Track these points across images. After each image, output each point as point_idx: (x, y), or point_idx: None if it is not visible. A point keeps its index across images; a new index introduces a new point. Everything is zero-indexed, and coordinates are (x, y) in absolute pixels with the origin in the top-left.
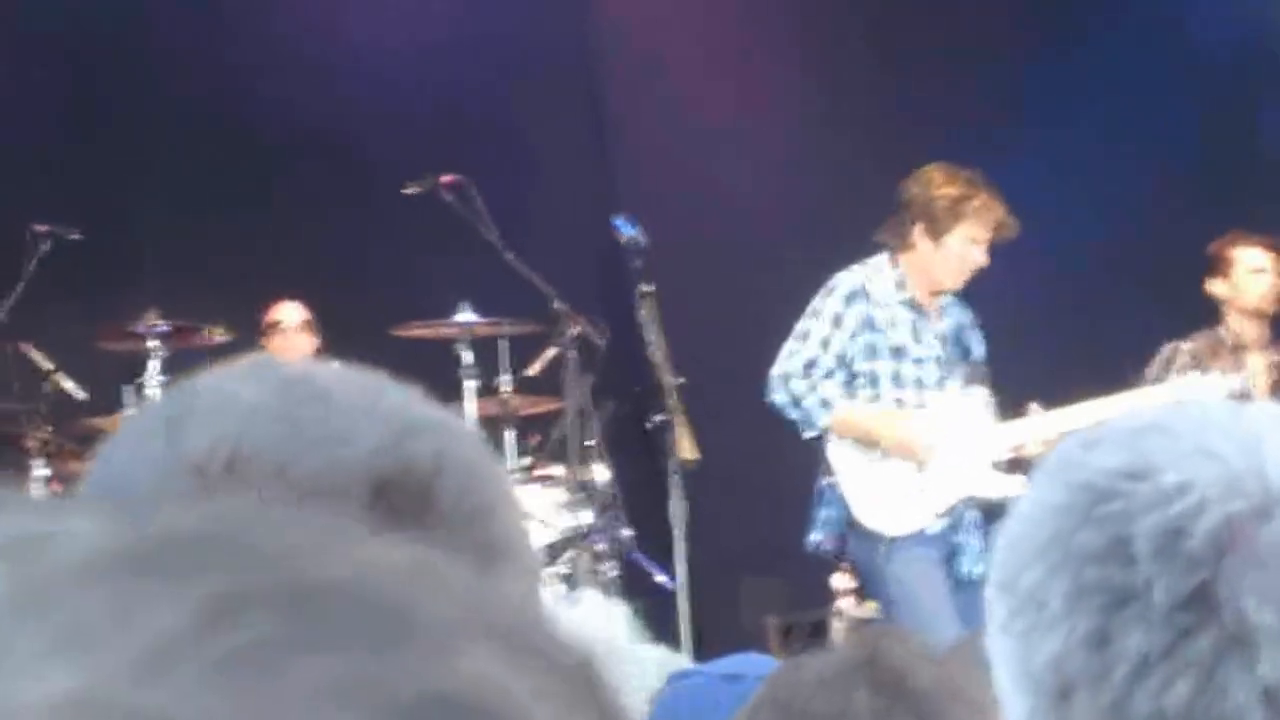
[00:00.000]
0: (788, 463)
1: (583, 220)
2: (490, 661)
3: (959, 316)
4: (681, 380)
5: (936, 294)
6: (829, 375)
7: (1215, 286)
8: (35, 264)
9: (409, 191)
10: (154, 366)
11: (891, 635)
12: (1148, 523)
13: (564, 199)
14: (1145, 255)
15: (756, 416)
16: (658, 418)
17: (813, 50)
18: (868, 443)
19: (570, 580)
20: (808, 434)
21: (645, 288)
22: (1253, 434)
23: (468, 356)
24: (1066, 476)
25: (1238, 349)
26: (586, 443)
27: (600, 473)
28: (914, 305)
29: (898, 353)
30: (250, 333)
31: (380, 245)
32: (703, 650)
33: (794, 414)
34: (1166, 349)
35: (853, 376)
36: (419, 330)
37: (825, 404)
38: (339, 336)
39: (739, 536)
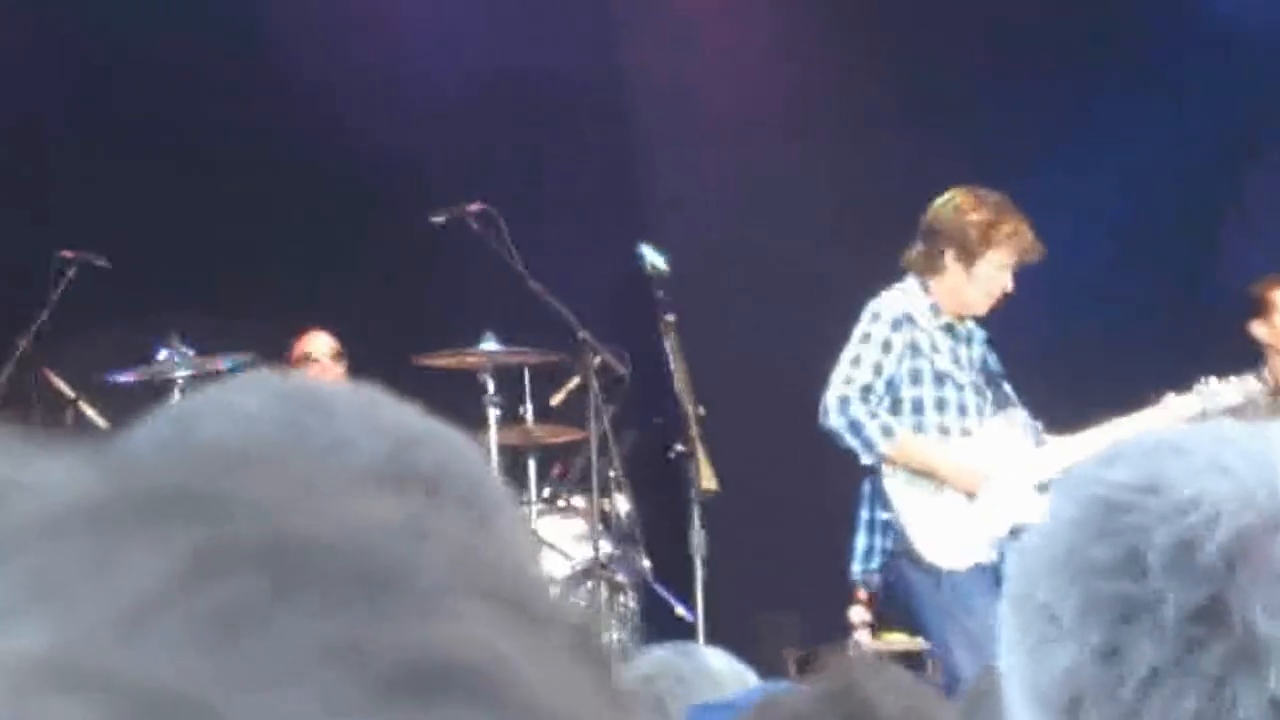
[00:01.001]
0: (808, 494)
1: (606, 251)
2: (481, 622)
3: (982, 340)
4: (703, 411)
5: (964, 319)
6: (881, 401)
7: (1258, 329)
8: (61, 291)
9: (436, 221)
10: (177, 394)
11: (866, 668)
12: (1160, 536)
13: (588, 229)
14: (1173, 289)
15: (777, 448)
16: (679, 448)
17: (838, 82)
18: (925, 472)
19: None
20: (867, 459)
21: (668, 318)
22: (1264, 451)
23: (491, 386)
24: (1081, 491)
25: (1277, 392)
26: (608, 473)
27: (621, 503)
28: (951, 330)
29: (941, 379)
30: (274, 361)
31: (405, 274)
32: None
33: (852, 440)
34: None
35: (898, 402)
36: (443, 359)
37: (887, 431)
38: (364, 365)
39: (758, 568)
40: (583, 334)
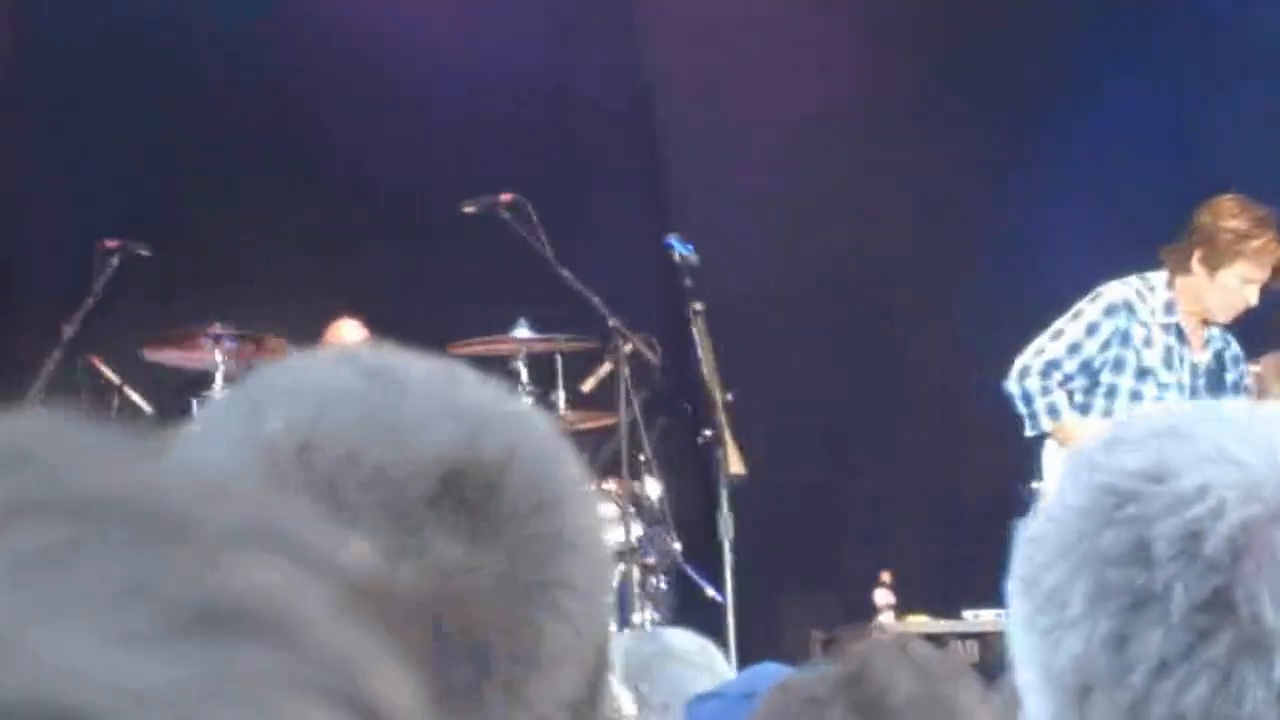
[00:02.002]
0: (834, 479)
1: (636, 239)
2: (269, 571)
3: (1221, 349)
4: (730, 397)
5: (1206, 323)
6: (1067, 380)
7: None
8: (105, 279)
9: (468, 210)
10: (219, 380)
11: (882, 648)
12: (1167, 526)
13: (618, 219)
14: None
15: (804, 433)
16: (707, 433)
17: (865, 72)
18: None
19: (621, 593)
20: (1029, 432)
21: (696, 306)
22: (1269, 438)
23: (524, 372)
24: (1088, 478)
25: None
26: (638, 457)
27: (651, 487)
28: (1177, 331)
29: (1143, 374)
30: (312, 346)
31: (439, 262)
32: (748, 662)
33: (1022, 409)
34: None
35: (1094, 386)
36: (476, 346)
37: (1053, 410)
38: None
39: (786, 551)
40: (613, 321)
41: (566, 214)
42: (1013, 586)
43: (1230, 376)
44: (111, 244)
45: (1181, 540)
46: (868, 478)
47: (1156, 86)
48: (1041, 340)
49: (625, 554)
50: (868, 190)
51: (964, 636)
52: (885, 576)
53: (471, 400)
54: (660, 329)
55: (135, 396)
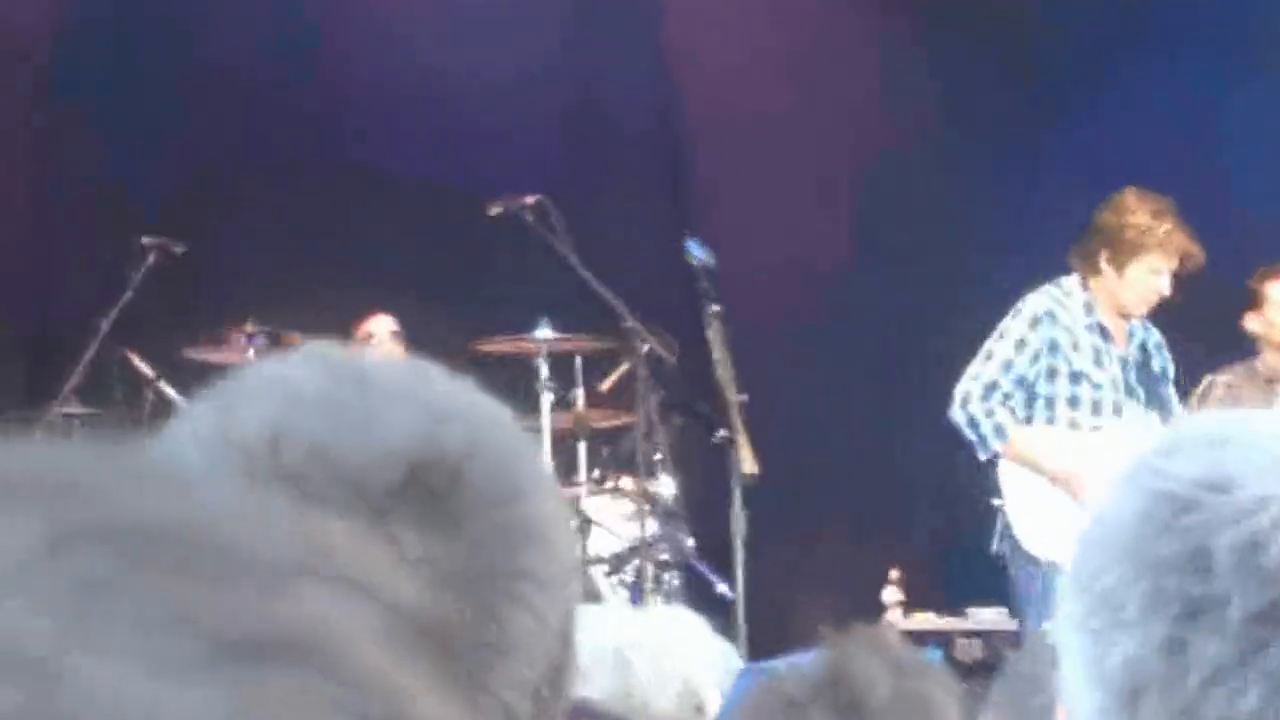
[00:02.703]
0: (845, 479)
1: (656, 242)
2: (320, 601)
3: (1144, 338)
4: (745, 397)
5: (1124, 318)
6: (1008, 398)
7: (1251, 322)
8: (141, 275)
9: (493, 212)
10: None
11: (859, 647)
12: (1227, 536)
13: (638, 221)
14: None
15: (816, 434)
16: (722, 433)
17: (882, 79)
18: (1035, 470)
19: (635, 587)
20: (981, 456)
21: (713, 308)
22: None
23: (545, 371)
24: (1147, 483)
25: (1271, 381)
26: (654, 456)
27: (666, 485)
28: (1101, 329)
29: (1076, 377)
30: (340, 340)
31: (464, 263)
32: (757, 658)
33: (970, 435)
34: (1204, 382)
35: (1032, 398)
36: (500, 345)
37: (999, 430)
38: (423, 349)
39: (797, 548)
40: (632, 322)
41: (588, 217)
42: (1065, 585)
43: (1156, 363)
44: (148, 241)
45: (1241, 551)
46: (878, 478)
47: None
48: (975, 365)
49: (639, 549)
50: (885, 197)
51: (969, 634)
52: (894, 574)
53: (436, 395)
54: (678, 330)
55: (170, 391)
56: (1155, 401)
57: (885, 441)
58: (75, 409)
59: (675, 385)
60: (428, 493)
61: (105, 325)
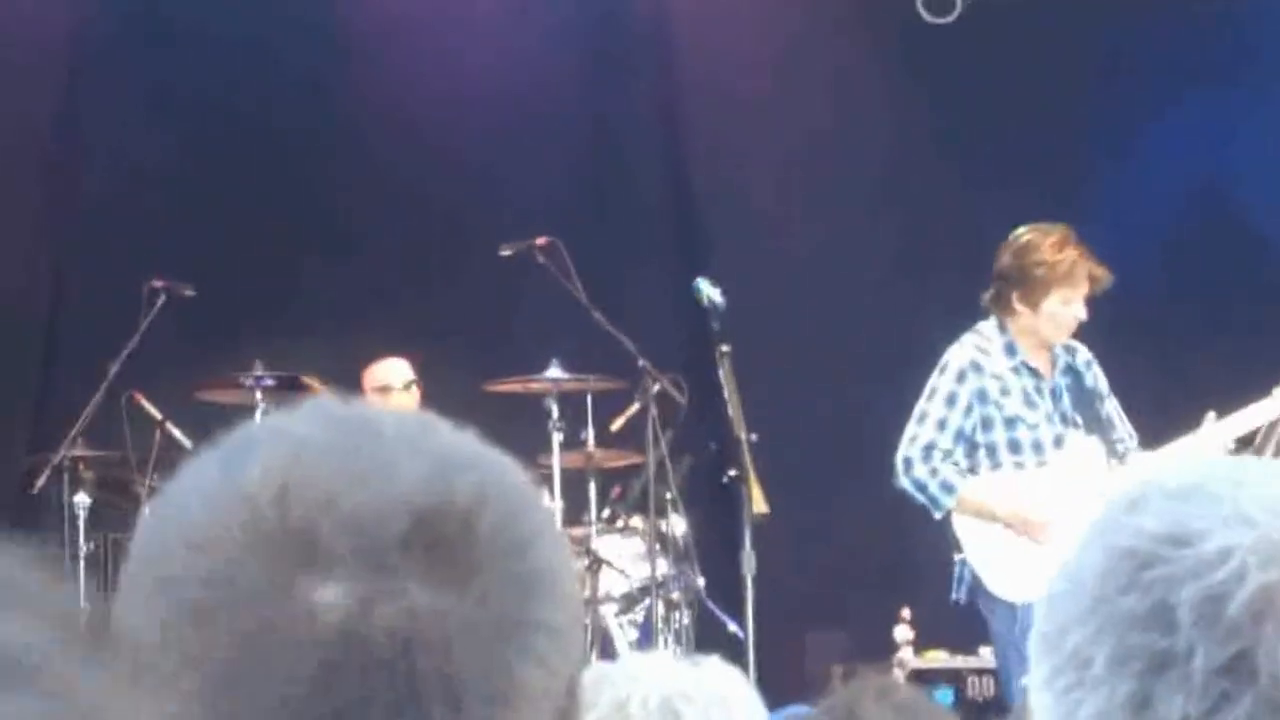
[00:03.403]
0: (854, 519)
1: (666, 283)
2: (27, 629)
3: (1070, 361)
4: (755, 437)
5: (1048, 350)
6: (948, 456)
7: None
8: (150, 318)
9: (505, 253)
10: (258, 417)
11: (868, 691)
12: (1189, 591)
13: (648, 263)
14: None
15: (826, 474)
16: (732, 473)
17: (896, 122)
18: (989, 519)
19: (645, 627)
20: (936, 514)
21: (723, 348)
22: None
23: (555, 411)
24: (1110, 539)
25: None
26: (665, 495)
27: (677, 524)
28: (1027, 368)
29: (1011, 422)
30: (351, 384)
31: (475, 304)
32: (767, 697)
33: (920, 498)
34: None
35: (973, 449)
36: (511, 385)
37: (947, 488)
38: (435, 390)
39: (807, 588)
40: (642, 363)
41: (599, 258)
42: (1034, 644)
43: (1088, 380)
44: (157, 284)
45: (1204, 605)
46: (888, 517)
47: (1186, 141)
48: (910, 428)
49: (650, 589)
50: (894, 237)
51: (980, 672)
52: (905, 613)
53: (444, 446)
54: (688, 370)
55: (177, 433)
56: (1095, 423)
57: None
58: (83, 451)
59: (686, 425)
60: (437, 543)
61: (114, 367)
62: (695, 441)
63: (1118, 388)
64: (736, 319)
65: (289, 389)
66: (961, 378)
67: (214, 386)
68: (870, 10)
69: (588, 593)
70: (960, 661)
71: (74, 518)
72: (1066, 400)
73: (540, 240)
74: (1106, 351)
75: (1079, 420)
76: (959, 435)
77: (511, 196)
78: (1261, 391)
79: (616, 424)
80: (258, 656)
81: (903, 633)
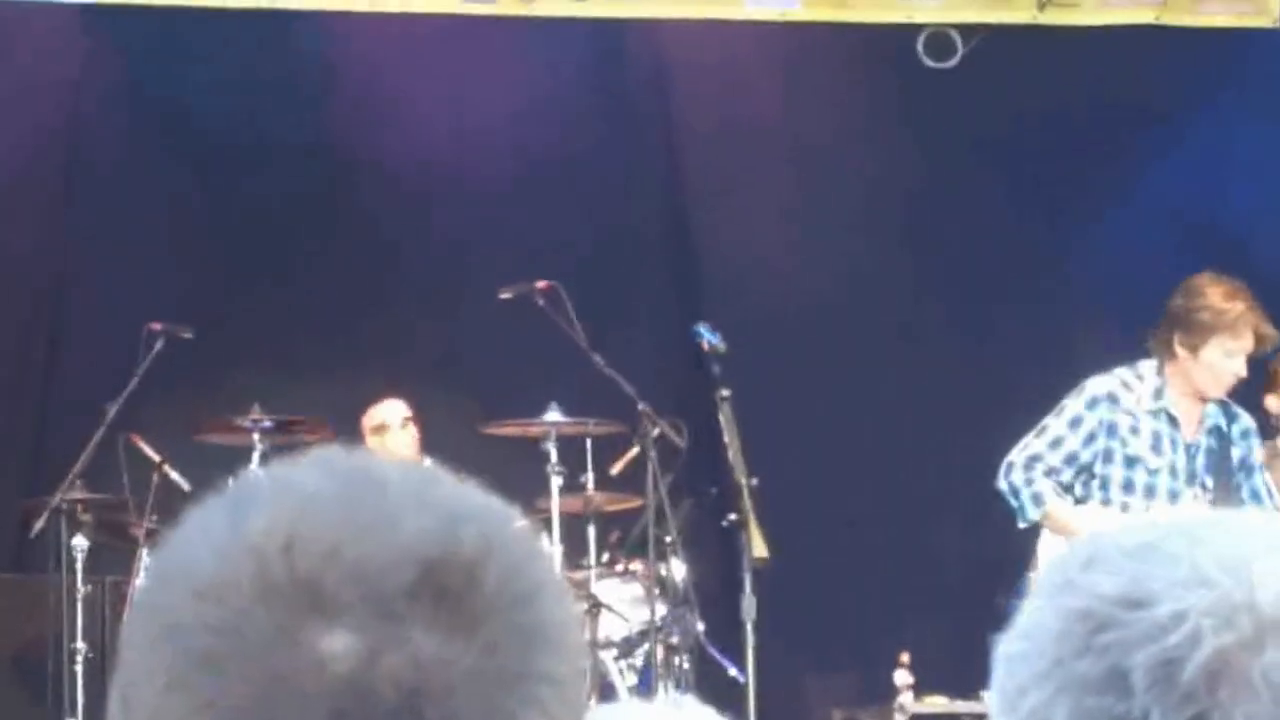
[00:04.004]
0: (855, 563)
1: (666, 327)
2: None
3: (1221, 425)
4: (755, 482)
5: (1201, 401)
6: (1052, 473)
7: (1269, 402)
8: (149, 360)
9: (505, 296)
10: (256, 459)
11: None
12: (1144, 655)
13: (648, 307)
14: None
15: (826, 518)
16: (732, 517)
17: (895, 163)
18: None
19: (645, 671)
20: (1021, 524)
21: (723, 392)
22: (1242, 557)
23: (554, 454)
24: (1065, 601)
25: None
26: (665, 539)
27: (677, 568)
28: (1168, 416)
29: (1131, 462)
30: (349, 426)
31: (475, 347)
32: None
33: (1011, 502)
34: None
35: (1090, 477)
36: (510, 428)
37: (1037, 500)
38: (434, 433)
39: (808, 632)
40: (642, 406)
41: (599, 302)
42: (993, 704)
43: (1237, 452)
44: (156, 326)
45: (1159, 669)
46: (888, 561)
47: (1186, 172)
48: (1028, 437)
49: (650, 633)
50: (896, 281)
51: (980, 717)
52: (904, 658)
53: (448, 497)
54: (688, 414)
55: (175, 475)
56: (1225, 492)
57: (895, 525)
58: (81, 494)
59: (685, 469)
60: (444, 593)
61: (112, 410)
62: (695, 485)
63: None
64: (737, 363)
65: (287, 431)
66: (1093, 405)
67: (212, 429)
68: (871, 55)
69: (587, 636)
70: (960, 706)
71: (72, 560)
72: (1201, 461)
73: (540, 284)
74: None
75: (1207, 484)
76: (1071, 458)
77: (511, 240)
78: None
79: (616, 467)
80: (267, 706)
81: (902, 677)
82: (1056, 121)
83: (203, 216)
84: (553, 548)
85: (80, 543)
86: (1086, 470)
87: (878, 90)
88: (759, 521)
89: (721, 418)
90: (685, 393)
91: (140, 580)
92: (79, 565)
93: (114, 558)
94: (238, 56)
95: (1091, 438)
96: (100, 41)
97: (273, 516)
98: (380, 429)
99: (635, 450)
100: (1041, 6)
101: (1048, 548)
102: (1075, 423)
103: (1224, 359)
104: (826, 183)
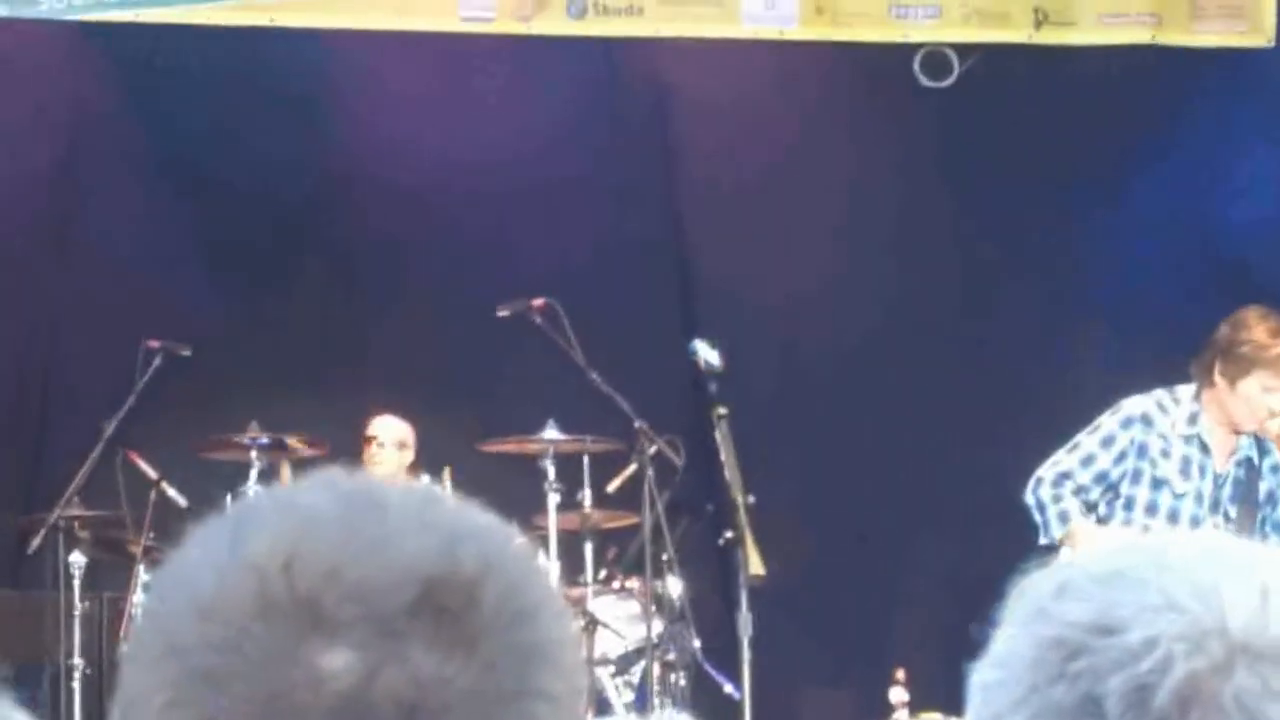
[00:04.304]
0: (851, 580)
1: (663, 345)
2: None
3: (1252, 456)
4: (752, 499)
5: (1235, 433)
6: (1081, 491)
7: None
8: (146, 378)
9: (502, 314)
10: (253, 477)
11: None
12: (1117, 681)
13: (645, 324)
14: None
15: (822, 536)
16: (728, 534)
17: (889, 181)
18: None
19: (642, 688)
20: (1043, 540)
21: (720, 410)
22: (1211, 582)
23: (552, 471)
24: (1038, 629)
25: None
26: (661, 556)
27: (673, 585)
28: (1200, 442)
29: (1158, 484)
30: (345, 444)
31: (472, 364)
32: None
33: (1037, 517)
34: None
35: (1115, 496)
36: (507, 445)
37: (1063, 516)
38: (432, 450)
39: (804, 649)
40: (639, 424)
41: (596, 319)
42: None
43: (1265, 485)
44: (154, 344)
45: (1132, 695)
46: (884, 578)
47: (1182, 191)
48: (1059, 453)
49: (646, 650)
50: (892, 299)
51: None
52: (900, 675)
53: (448, 517)
54: (684, 432)
55: (172, 492)
56: (1246, 521)
57: (891, 542)
58: (79, 510)
59: (682, 486)
60: (442, 611)
61: (110, 427)
62: (692, 503)
63: None
64: (733, 381)
65: (284, 449)
66: (1127, 424)
67: (210, 446)
68: (868, 74)
69: (584, 653)
70: None
71: (69, 577)
72: (1228, 490)
73: (537, 301)
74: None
75: (1231, 514)
76: (1101, 476)
77: (508, 257)
78: None
79: (613, 485)
80: None
81: (898, 694)
82: (1053, 139)
83: (200, 234)
84: (550, 564)
85: (77, 559)
86: (1113, 489)
87: (875, 109)
88: (755, 539)
89: (718, 435)
90: (683, 410)
91: (140, 598)
92: (76, 582)
93: (111, 574)
94: (234, 74)
95: (1122, 456)
96: (97, 59)
97: (274, 535)
98: (369, 443)
99: (632, 468)
100: (1038, 26)
101: None
102: (1108, 441)
103: (1261, 394)
104: (823, 201)
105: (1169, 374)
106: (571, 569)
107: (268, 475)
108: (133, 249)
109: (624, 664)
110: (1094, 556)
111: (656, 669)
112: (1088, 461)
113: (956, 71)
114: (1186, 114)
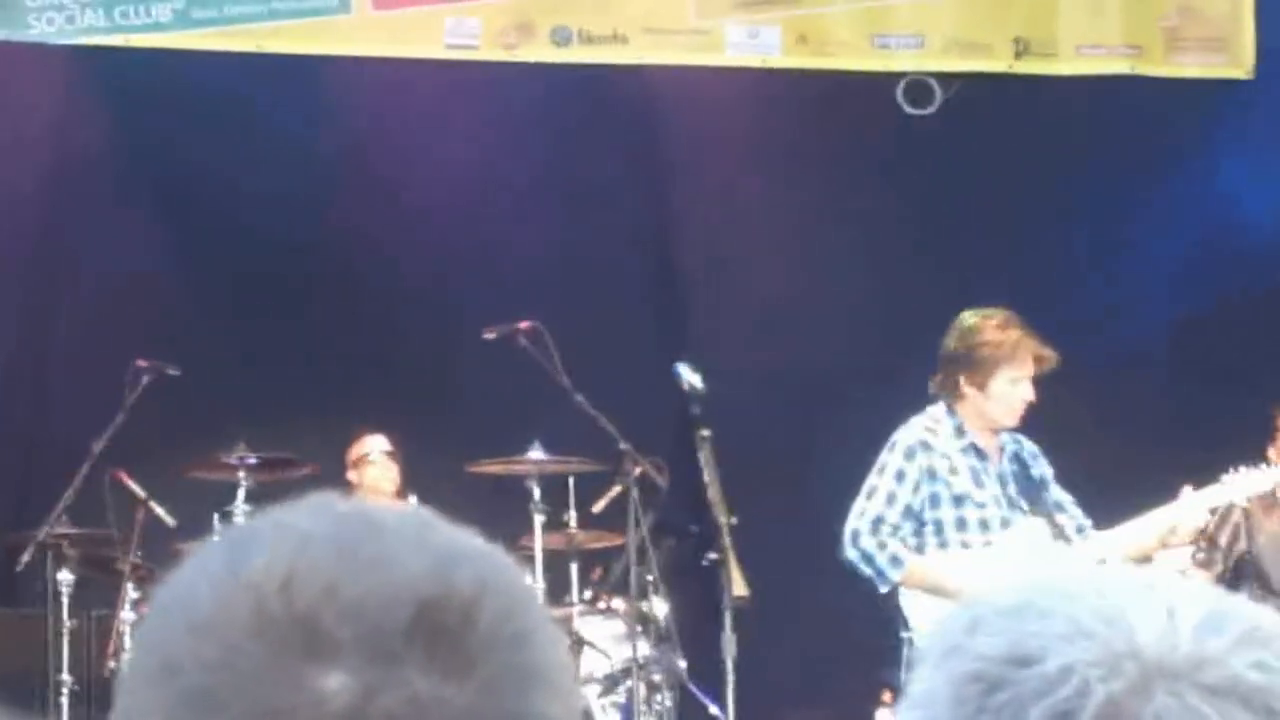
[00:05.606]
0: (834, 600)
1: (647, 367)
2: None
3: (1017, 450)
4: (735, 520)
5: (995, 433)
6: (895, 530)
7: (1272, 454)
8: (135, 396)
9: (488, 336)
10: (241, 496)
11: None
12: (1039, 710)
13: (630, 346)
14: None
15: (806, 556)
16: (713, 555)
17: (872, 206)
18: (938, 594)
19: (627, 708)
20: (882, 589)
21: (703, 432)
22: (1116, 606)
23: (537, 492)
24: (954, 666)
25: None
26: (646, 577)
27: (658, 606)
28: (976, 450)
29: (959, 500)
30: (333, 464)
31: (458, 386)
32: None
33: (866, 570)
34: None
35: (921, 525)
36: (493, 467)
37: (895, 561)
38: (419, 470)
39: (788, 669)
40: (624, 445)
41: (581, 341)
42: None
43: (1035, 472)
44: (142, 363)
45: None
46: (869, 599)
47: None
48: (859, 503)
49: (632, 670)
50: (877, 322)
51: None
52: (886, 696)
53: (443, 539)
54: (669, 453)
55: (160, 511)
56: (1041, 508)
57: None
58: (67, 529)
59: (667, 507)
60: (439, 633)
61: (99, 446)
62: (676, 524)
63: (1120, 462)
64: (717, 403)
65: (272, 469)
66: (910, 455)
67: (198, 466)
68: (851, 102)
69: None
70: None
71: (58, 595)
72: (1013, 486)
73: (523, 324)
74: (1104, 423)
75: (1024, 506)
76: (907, 511)
77: (494, 280)
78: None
79: (598, 506)
80: None
81: (884, 715)
82: (1033, 167)
83: (188, 255)
84: (535, 585)
85: (66, 577)
86: (916, 519)
87: (858, 136)
88: (739, 560)
89: (702, 457)
90: (667, 432)
91: (131, 615)
92: (65, 600)
93: (99, 592)
94: (223, 98)
95: (917, 486)
96: (87, 82)
97: (271, 555)
98: (361, 462)
99: (617, 489)
100: (1018, 56)
101: (915, 606)
102: (900, 476)
103: (1011, 388)
104: (807, 226)
105: (1144, 395)
106: (557, 589)
107: (255, 495)
108: (122, 270)
109: (610, 684)
110: (999, 591)
111: (642, 689)
112: (891, 500)
113: (939, 100)
114: (1166, 144)
